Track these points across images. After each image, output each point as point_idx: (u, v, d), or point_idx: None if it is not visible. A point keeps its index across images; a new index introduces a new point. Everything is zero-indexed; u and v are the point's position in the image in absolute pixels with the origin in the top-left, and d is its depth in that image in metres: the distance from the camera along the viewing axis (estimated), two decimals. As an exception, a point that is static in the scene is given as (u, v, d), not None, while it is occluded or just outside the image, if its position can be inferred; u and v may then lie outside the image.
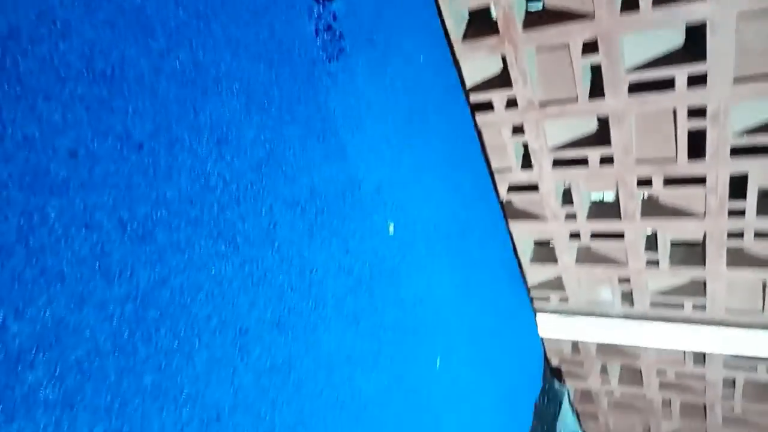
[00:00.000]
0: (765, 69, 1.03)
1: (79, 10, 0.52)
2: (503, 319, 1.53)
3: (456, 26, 1.22)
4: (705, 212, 1.27)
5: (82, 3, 0.52)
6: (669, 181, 1.28)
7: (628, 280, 1.52)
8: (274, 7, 0.74)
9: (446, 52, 1.22)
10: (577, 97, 1.22)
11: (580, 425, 2.08)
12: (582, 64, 1.16)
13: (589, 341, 1.75)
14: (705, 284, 1.42)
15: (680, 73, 1.09)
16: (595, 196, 1.46)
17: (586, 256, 1.54)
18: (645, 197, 1.36)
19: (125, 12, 0.56)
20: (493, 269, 1.47)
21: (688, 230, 1.35)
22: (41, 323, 0.48)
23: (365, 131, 0.92)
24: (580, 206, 1.40)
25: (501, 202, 1.50)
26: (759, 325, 1.42)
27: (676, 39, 1.10)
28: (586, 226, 1.45)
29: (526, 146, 1.38)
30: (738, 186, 1.21)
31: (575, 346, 1.83)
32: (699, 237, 1.38)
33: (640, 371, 1.78)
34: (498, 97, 1.29)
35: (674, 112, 1.16)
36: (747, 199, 1.21)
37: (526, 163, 1.40)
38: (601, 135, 1.29)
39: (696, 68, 1.07)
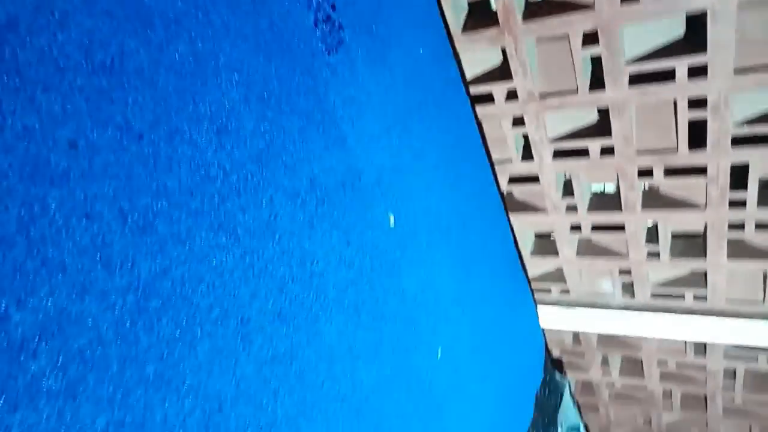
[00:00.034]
0: (765, 59, 1.03)
1: (77, 0, 0.52)
2: (504, 310, 1.54)
3: (455, 17, 1.21)
4: (706, 203, 1.27)
5: (81, -7, 0.52)
6: (670, 172, 1.28)
7: (629, 272, 1.52)
8: (273, -2, 0.74)
9: (446, 44, 1.22)
10: (577, 89, 1.21)
11: (581, 417, 2.08)
12: (582, 56, 1.16)
13: (590, 332, 1.76)
14: (706, 275, 1.42)
15: (680, 64, 1.09)
16: (596, 188, 1.46)
17: (587, 248, 1.54)
18: (646, 188, 1.36)
19: (123, 2, 0.56)
20: (494, 261, 1.47)
21: (689, 221, 1.35)
22: (43, 313, 0.48)
23: (365, 123, 0.92)
24: (581, 198, 1.40)
25: (501, 194, 1.50)
26: (759, 316, 1.42)
27: (676, 29, 1.10)
28: (586, 218, 1.45)
29: (526, 138, 1.38)
30: (739, 176, 1.21)
31: (576, 337, 1.84)
32: (700, 228, 1.38)
33: (641, 362, 1.79)
34: (498, 89, 1.28)
35: (675, 103, 1.16)
36: (748, 189, 1.21)
37: (527, 154, 1.40)
38: (602, 126, 1.28)
39: (696, 59, 1.07)
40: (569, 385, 1.97)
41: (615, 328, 1.64)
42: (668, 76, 1.12)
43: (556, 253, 1.56)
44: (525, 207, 1.51)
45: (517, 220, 1.53)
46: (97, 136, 0.53)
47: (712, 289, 1.43)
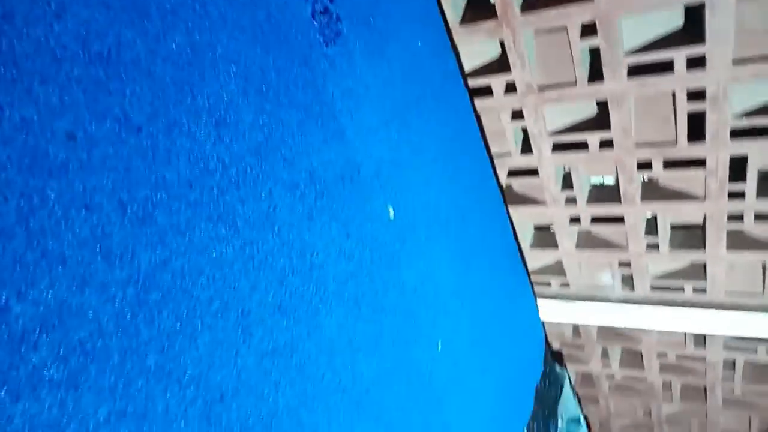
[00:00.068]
0: (764, 50, 1.03)
1: (74, -9, 0.52)
2: (504, 303, 1.54)
3: (454, 10, 1.21)
4: (705, 195, 1.27)
5: (77, -16, 0.52)
6: (669, 164, 1.28)
7: (628, 264, 1.52)
8: (271, -10, 0.73)
9: (444, 37, 1.21)
10: (576, 81, 1.21)
11: (582, 408, 2.09)
12: (581, 47, 1.16)
13: (590, 325, 1.76)
14: (705, 267, 1.42)
15: (679, 56, 1.09)
16: (595, 180, 1.46)
17: (587, 241, 1.54)
18: (645, 180, 1.36)
19: (120, -7, 0.56)
20: (494, 254, 1.48)
21: (688, 213, 1.35)
22: (44, 305, 0.48)
23: (364, 115, 0.92)
24: (580, 190, 1.40)
25: (501, 187, 1.50)
26: (759, 307, 1.43)
27: (675, 20, 1.09)
28: (586, 211, 1.45)
29: (525, 131, 1.38)
30: (738, 168, 1.21)
31: (576, 329, 1.84)
32: (699, 220, 1.38)
33: (641, 354, 1.79)
34: (497, 81, 1.28)
35: (673, 95, 1.16)
36: (747, 181, 1.21)
37: (526, 147, 1.40)
38: (601, 119, 1.28)
39: (695, 50, 1.07)
40: (569, 378, 1.98)
41: (615, 320, 1.64)
42: (667, 67, 1.12)
43: (555, 245, 1.57)
44: (524, 200, 1.51)
45: (517, 212, 1.53)
46: (95, 128, 0.53)
47: (711, 281, 1.44)
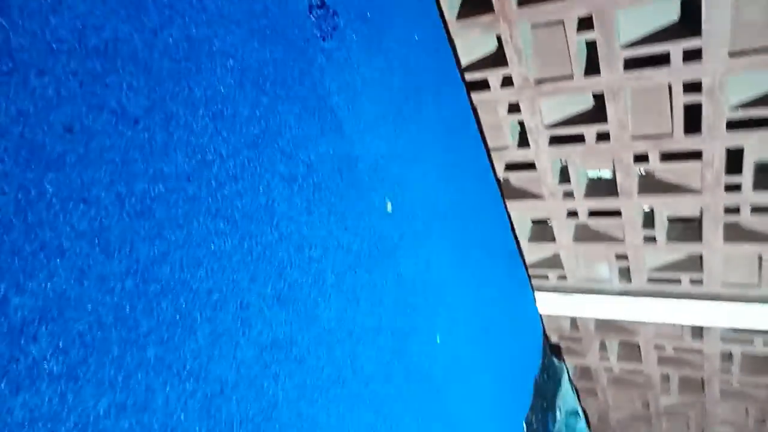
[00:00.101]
0: (760, 42, 1.03)
1: (70, -17, 0.52)
2: (502, 296, 1.54)
3: (450, 4, 1.21)
4: (701, 187, 1.28)
5: (73, -23, 0.52)
6: (665, 157, 1.28)
7: (625, 257, 1.53)
8: (267, -17, 0.73)
9: (441, 31, 1.21)
10: (572, 74, 1.21)
11: (580, 402, 2.10)
12: (577, 41, 1.16)
13: (588, 318, 1.77)
14: (702, 259, 1.43)
15: (675, 48, 1.09)
16: (592, 174, 1.46)
17: (584, 234, 1.54)
18: (642, 173, 1.36)
19: (116, -14, 0.56)
20: (491, 248, 1.48)
21: (684, 205, 1.36)
22: (43, 297, 0.48)
23: (361, 109, 0.92)
24: (577, 184, 1.41)
25: (498, 181, 1.50)
26: (756, 298, 1.43)
27: (671, 13, 1.10)
28: (583, 204, 1.45)
29: (522, 124, 1.38)
30: (734, 160, 1.21)
31: (574, 323, 1.85)
32: (696, 212, 1.38)
33: (639, 347, 1.80)
34: (493, 75, 1.28)
35: (670, 88, 1.16)
36: (743, 173, 1.21)
37: (523, 141, 1.40)
38: (597, 112, 1.29)
39: (691, 43, 1.07)
40: (567, 371, 1.98)
41: (612, 313, 1.65)
42: (663, 60, 1.12)
43: (553, 239, 1.57)
44: (521, 194, 1.52)
45: (514, 206, 1.54)
46: (92, 121, 0.53)
47: (708, 273, 1.44)
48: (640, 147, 1.27)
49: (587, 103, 1.31)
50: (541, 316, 1.82)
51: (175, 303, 0.59)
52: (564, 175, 1.43)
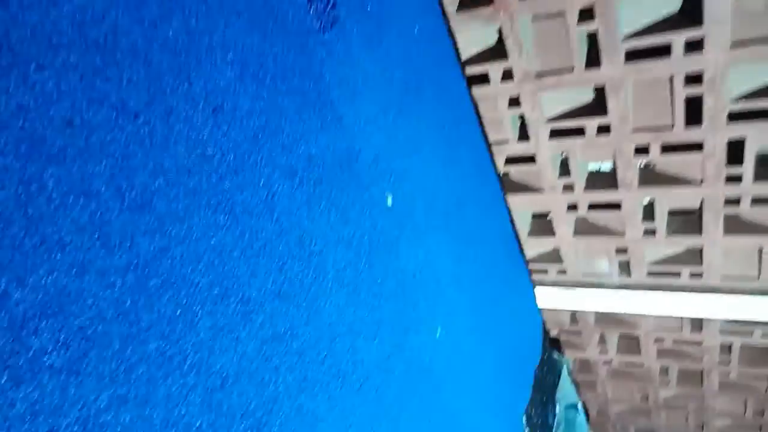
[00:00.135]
0: (762, 32, 1.03)
1: (68, -24, 0.51)
2: (502, 290, 1.55)
3: (450, -4, 1.20)
4: (702, 179, 1.28)
5: (71, -31, 0.51)
6: (666, 149, 1.28)
7: (625, 251, 1.53)
8: (266, -25, 0.73)
9: (441, 24, 1.21)
10: (573, 67, 1.21)
11: (579, 394, 2.11)
12: (578, 32, 1.15)
13: (588, 311, 1.77)
14: (701, 252, 1.42)
15: (677, 39, 1.09)
16: (593, 167, 1.46)
17: (584, 228, 1.54)
18: (642, 166, 1.36)
19: (115, -22, 0.55)
20: (492, 242, 1.48)
21: (685, 197, 1.35)
22: (44, 291, 0.48)
23: (361, 102, 0.91)
24: (578, 177, 1.40)
25: (498, 175, 1.50)
26: (755, 291, 1.43)
27: (672, 3, 1.09)
28: (583, 197, 1.45)
29: (522, 118, 1.38)
30: (735, 151, 1.21)
31: (574, 316, 1.85)
32: (696, 204, 1.38)
33: (638, 340, 1.80)
34: (494, 68, 1.28)
35: (671, 79, 1.16)
36: (744, 164, 1.21)
37: (523, 134, 1.40)
38: (598, 104, 1.28)
39: (693, 33, 1.06)
40: (567, 364, 1.99)
41: (612, 306, 1.65)
42: (664, 51, 1.11)
43: (552, 233, 1.57)
44: (522, 187, 1.51)
45: (514, 200, 1.54)
46: (92, 114, 0.53)
47: (707, 266, 1.44)
48: (641, 139, 1.26)
49: (588, 95, 1.30)
50: (540, 309, 1.82)
51: (176, 297, 0.59)
52: (564, 169, 1.43)
